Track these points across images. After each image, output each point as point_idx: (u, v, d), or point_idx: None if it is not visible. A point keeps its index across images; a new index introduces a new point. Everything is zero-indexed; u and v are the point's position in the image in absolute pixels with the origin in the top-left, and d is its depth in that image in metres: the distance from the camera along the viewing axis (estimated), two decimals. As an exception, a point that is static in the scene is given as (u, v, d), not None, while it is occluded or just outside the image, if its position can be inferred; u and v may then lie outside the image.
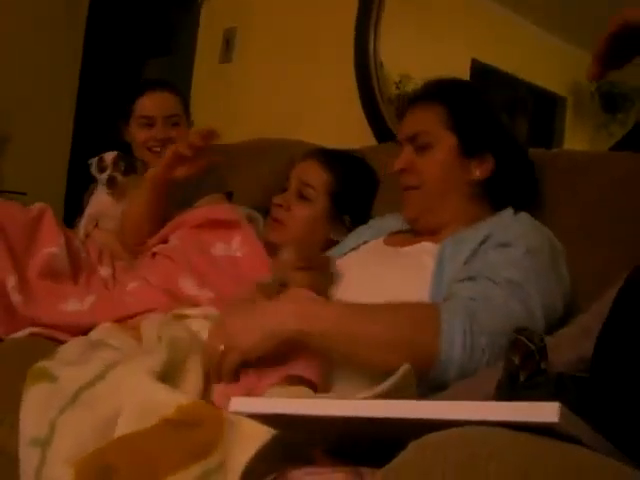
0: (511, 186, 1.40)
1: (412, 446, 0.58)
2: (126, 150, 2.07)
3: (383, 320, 1.10)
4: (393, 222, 1.53)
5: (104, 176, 1.95)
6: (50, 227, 1.71)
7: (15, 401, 1.18)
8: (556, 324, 1.15)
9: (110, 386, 1.08)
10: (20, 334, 1.51)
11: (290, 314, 1.09)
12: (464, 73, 2.43)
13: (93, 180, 2.03)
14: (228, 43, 2.82)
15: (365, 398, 0.83)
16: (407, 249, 1.40)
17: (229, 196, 2.03)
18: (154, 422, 0.97)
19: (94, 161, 1.99)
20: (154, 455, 0.93)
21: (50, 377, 1.14)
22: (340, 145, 1.92)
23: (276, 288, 1.26)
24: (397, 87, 2.42)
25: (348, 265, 1.40)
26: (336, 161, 1.75)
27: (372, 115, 2.37)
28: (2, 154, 3.13)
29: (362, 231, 1.59)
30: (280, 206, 1.74)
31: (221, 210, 1.79)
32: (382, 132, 2.34)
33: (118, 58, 3.43)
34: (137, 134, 2.05)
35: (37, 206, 1.74)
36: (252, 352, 1.09)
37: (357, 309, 1.13)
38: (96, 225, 2.02)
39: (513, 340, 0.86)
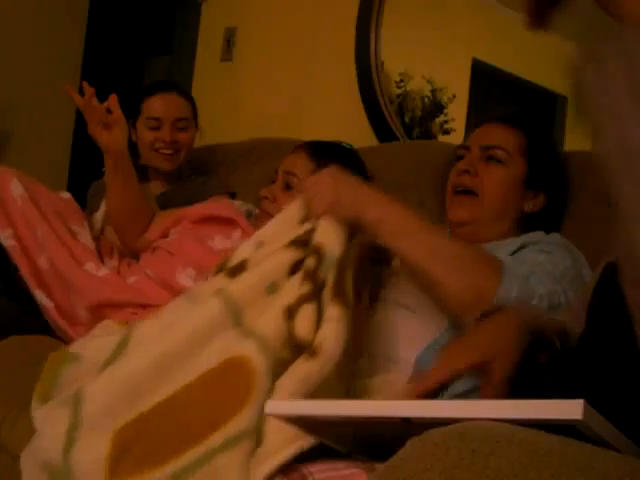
0: (549, 224, 1.43)
1: (412, 442, 0.58)
2: (132, 150, 2.07)
3: (457, 244, 1.18)
4: None
5: None
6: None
7: (16, 400, 1.18)
8: None
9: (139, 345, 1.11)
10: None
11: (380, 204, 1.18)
12: (465, 72, 2.44)
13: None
14: (229, 42, 2.82)
15: None
16: None
17: (232, 197, 2.04)
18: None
19: None
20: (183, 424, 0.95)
21: (75, 357, 1.16)
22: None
23: None
24: (398, 86, 2.42)
25: None
26: (323, 151, 1.74)
27: (373, 114, 2.38)
28: (3, 152, 3.13)
29: None
30: (266, 198, 1.73)
31: (220, 207, 1.81)
32: (383, 131, 2.34)
33: (119, 57, 3.44)
34: (144, 135, 2.05)
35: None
36: (334, 208, 1.18)
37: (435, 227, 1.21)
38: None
39: (538, 337, 0.86)
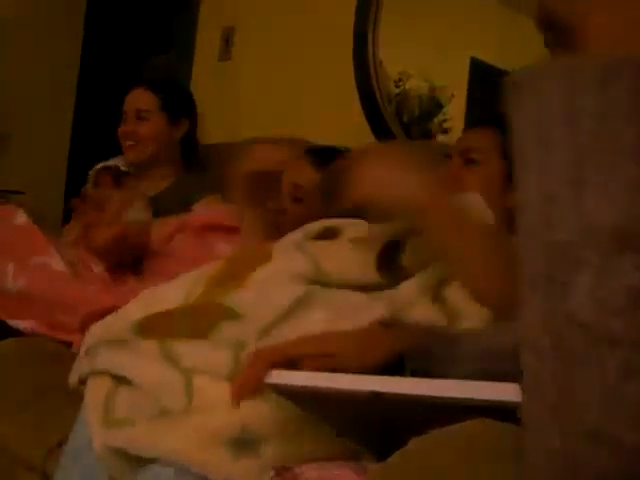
0: None
1: (413, 442, 0.58)
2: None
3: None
4: None
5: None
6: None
7: (17, 401, 1.18)
8: None
9: None
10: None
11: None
12: (463, 71, 2.43)
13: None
14: (227, 41, 2.82)
15: None
16: None
17: None
18: None
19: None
20: None
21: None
22: (340, 144, 1.92)
23: None
24: (396, 85, 2.42)
25: None
26: (324, 158, 1.74)
27: (372, 114, 2.37)
28: (1, 153, 3.13)
29: None
30: (277, 211, 1.72)
31: (223, 215, 1.80)
32: (382, 131, 2.34)
33: (117, 57, 3.43)
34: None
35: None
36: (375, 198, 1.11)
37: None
38: None
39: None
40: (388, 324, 0.93)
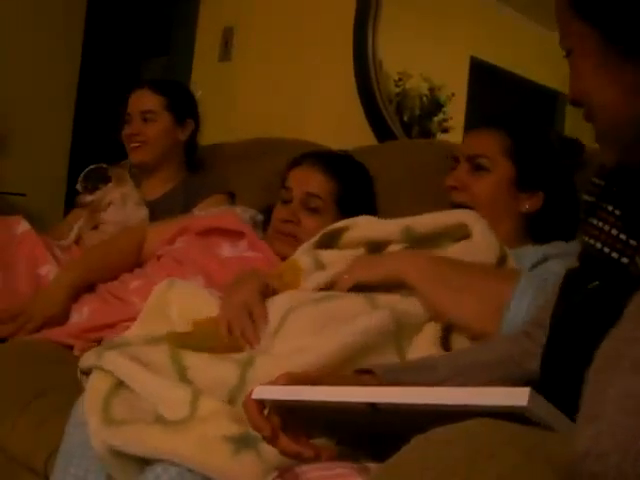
0: (554, 224, 1.41)
1: (415, 441, 0.58)
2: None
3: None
4: None
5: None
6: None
7: (17, 402, 1.18)
8: None
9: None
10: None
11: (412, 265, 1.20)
12: (463, 70, 2.44)
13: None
14: (227, 41, 2.82)
15: None
16: None
17: (232, 196, 2.03)
18: None
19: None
20: None
21: None
22: (340, 144, 1.92)
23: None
24: (396, 85, 2.42)
25: None
26: (336, 165, 1.71)
27: (372, 113, 2.37)
28: (1, 155, 3.13)
29: None
30: (291, 222, 1.69)
31: (225, 219, 1.76)
32: (382, 131, 2.34)
33: (117, 57, 3.43)
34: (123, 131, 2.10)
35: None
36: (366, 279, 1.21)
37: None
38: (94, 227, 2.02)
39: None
40: (363, 371, 0.92)
